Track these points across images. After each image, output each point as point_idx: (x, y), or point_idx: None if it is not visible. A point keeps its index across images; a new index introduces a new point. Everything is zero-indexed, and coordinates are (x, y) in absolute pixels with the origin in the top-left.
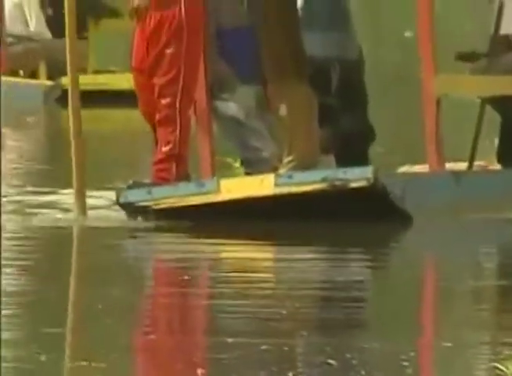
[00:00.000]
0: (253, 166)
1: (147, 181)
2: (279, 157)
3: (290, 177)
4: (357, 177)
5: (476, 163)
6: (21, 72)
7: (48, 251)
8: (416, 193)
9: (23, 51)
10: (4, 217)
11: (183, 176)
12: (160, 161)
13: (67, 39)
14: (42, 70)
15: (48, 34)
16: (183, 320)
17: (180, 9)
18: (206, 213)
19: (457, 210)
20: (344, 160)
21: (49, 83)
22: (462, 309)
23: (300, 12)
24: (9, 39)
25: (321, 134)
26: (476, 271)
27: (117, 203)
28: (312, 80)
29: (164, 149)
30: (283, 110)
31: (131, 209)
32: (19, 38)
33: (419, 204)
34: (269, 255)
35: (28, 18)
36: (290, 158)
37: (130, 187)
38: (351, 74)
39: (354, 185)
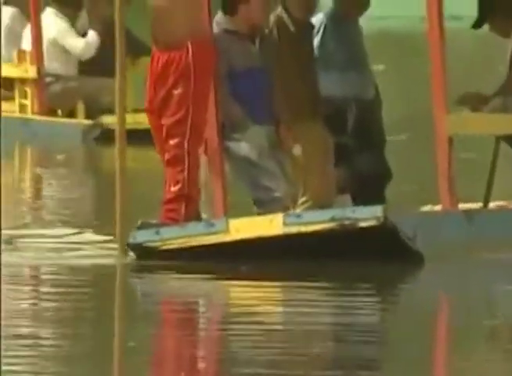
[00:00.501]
0: (265, 206)
1: (156, 221)
2: (291, 197)
3: (298, 216)
4: (366, 216)
5: (495, 203)
6: (59, 111)
7: (88, 290)
8: (427, 233)
9: (61, 90)
10: (41, 254)
11: (193, 216)
12: (169, 201)
13: (117, 79)
14: (80, 109)
15: (85, 73)
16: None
17: (187, 50)
18: (215, 253)
19: (470, 249)
20: (360, 200)
21: (88, 122)
22: (475, 351)
23: (315, 52)
24: (48, 78)
25: (337, 174)
26: (490, 311)
27: (126, 244)
28: (328, 119)
29: (173, 189)
30: (297, 150)
31: (140, 250)
32: (58, 77)
33: (431, 244)
34: (278, 296)
35: (66, 56)
36: (304, 198)
37: (139, 228)
38: (367, 113)
39: (363, 224)
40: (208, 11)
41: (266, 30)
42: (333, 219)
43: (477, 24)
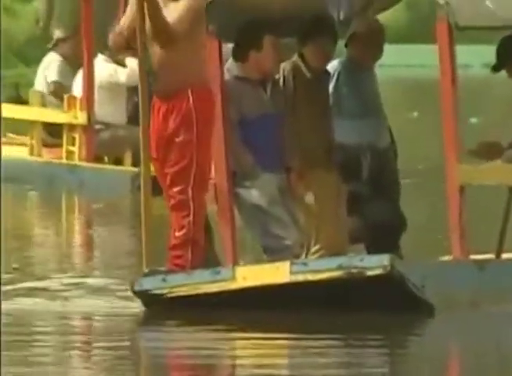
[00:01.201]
0: (275, 254)
1: (163, 269)
2: (301, 245)
3: (305, 264)
4: (373, 265)
5: (509, 254)
6: (106, 158)
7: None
8: (437, 283)
9: (110, 138)
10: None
11: (199, 261)
12: (175, 247)
13: (141, 130)
14: (128, 156)
15: (134, 122)
16: None
17: (188, 97)
18: (221, 301)
19: (480, 300)
20: (374, 250)
21: (136, 169)
22: None
23: (330, 99)
24: (97, 125)
25: (351, 223)
26: (500, 364)
27: (132, 291)
28: (342, 167)
29: (178, 234)
30: (309, 198)
31: (147, 297)
32: (107, 125)
33: (440, 294)
34: (286, 347)
35: (115, 104)
36: (317, 247)
37: (146, 275)
38: (382, 161)
39: (370, 273)
40: (219, 58)
41: (277, 77)
42: (340, 268)
43: (495, 68)
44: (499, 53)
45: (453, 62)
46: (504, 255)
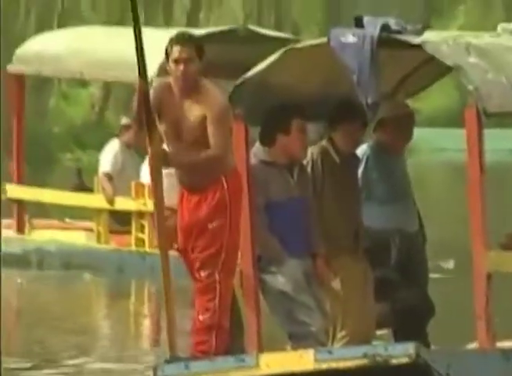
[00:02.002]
0: (300, 341)
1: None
2: (326, 332)
3: (330, 352)
4: (398, 353)
5: None
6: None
7: None
8: (462, 372)
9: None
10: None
11: (224, 348)
12: (199, 331)
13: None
14: None
15: None
16: None
17: (222, 184)
18: None
19: None
20: (402, 336)
21: None
22: None
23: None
24: (166, 212)
25: (379, 308)
26: None
27: None
28: (371, 253)
29: (202, 317)
30: (336, 284)
31: None
32: (174, 211)
33: None
34: None
35: None
36: (343, 333)
37: (168, 361)
38: (411, 246)
39: (395, 361)
40: (246, 142)
41: (304, 162)
42: (365, 356)
43: None
44: None
45: (481, 148)
46: None
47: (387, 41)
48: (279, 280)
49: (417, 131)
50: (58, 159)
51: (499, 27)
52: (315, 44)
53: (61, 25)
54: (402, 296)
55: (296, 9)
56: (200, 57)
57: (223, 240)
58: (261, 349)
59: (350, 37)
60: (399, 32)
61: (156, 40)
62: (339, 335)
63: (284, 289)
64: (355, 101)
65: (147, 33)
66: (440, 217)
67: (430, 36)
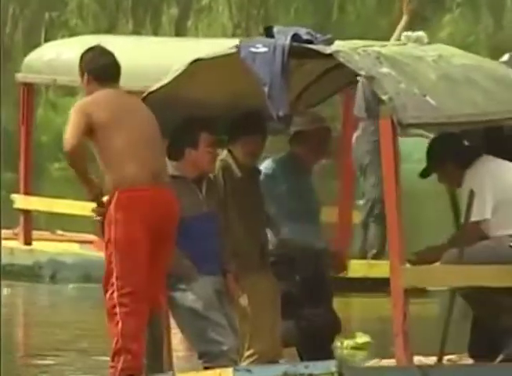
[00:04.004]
0: (212, 360)
1: None
2: (238, 350)
3: (249, 371)
4: (320, 371)
5: (449, 356)
6: None
7: None
8: None
9: None
10: None
11: (136, 370)
12: (112, 357)
13: None
14: None
15: None
16: None
17: (111, 200)
18: None
19: None
20: (307, 354)
21: None
22: None
23: (264, 199)
24: None
25: (284, 326)
26: None
27: None
28: (276, 268)
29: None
30: (244, 301)
31: None
32: None
33: None
34: None
35: None
36: (250, 352)
37: None
38: (317, 263)
39: None
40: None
41: (212, 176)
42: (285, 375)
43: (425, 173)
44: (429, 156)
45: (397, 160)
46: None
47: (298, 51)
48: (190, 298)
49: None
50: (46, 168)
51: (403, 36)
52: (224, 54)
53: (49, 34)
54: (308, 313)
55: (284, 19)
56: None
57: (111, 258)
58: (170, 369)
59: (261, 48)
60: (310, 42)
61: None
62: (246, 354)
63: (195, 307)
64: (254, 113)
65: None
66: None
67: (338, 45)
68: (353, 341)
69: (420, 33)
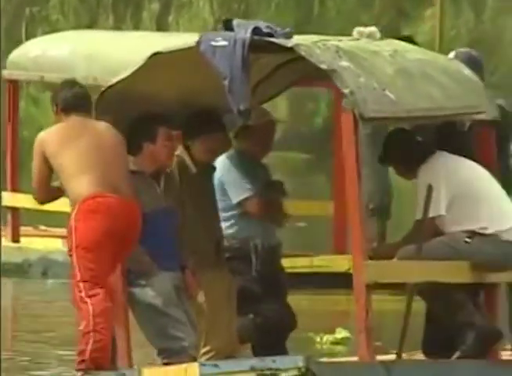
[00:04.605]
0: (172, 356)
1: None
2: (197, 347)
3: (216, 366)
4: (287, 366)
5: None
6: None
7: None
8: None
9: None
10: None
11: (102, 357)
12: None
13: None
14: None
15: None
16: None
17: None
18: None
19: None
20: (261, 351)
21: None
22: None
23: (217, 195)
24: None
25: (239, 322)
26: None
27: None
28: (231, 265)
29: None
30: (201, 297)
31: None
32: None
33: None
34: None
35: None
36: (207, 348)
37: None
38: (272, 258)
39: (284, 374)
40: None
41: (169, 170)
42: (252, 369)
43: (381, 160)
44: (385, 147)
45: (358, 154)
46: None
47: (258, 44)
48: (149, 294)
49: None
50: (26, 164)
51: (355, 32)
52: (184, 48)
53: (29, 30)
54: (264, 308)
55: (265, 14)
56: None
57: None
58: (130, 365)
59: (221, 41)
60: (270, 35)
61: None
62: (203, 350)
63: (154, 303)
64: (214, 111)
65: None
66: None
67: (298, 39)
68: (332, 336)
69: (373, 28)
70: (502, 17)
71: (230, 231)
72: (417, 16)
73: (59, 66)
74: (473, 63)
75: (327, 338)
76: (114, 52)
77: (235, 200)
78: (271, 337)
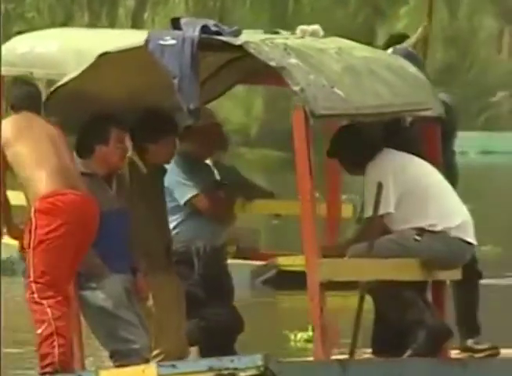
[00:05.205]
0: (124, 359)
1: None
2: (150, 349)
3: (174, 366)
4: (246, 365)
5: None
6: None
7: None
8: None
9: None
10: None
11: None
12: (39, 345)
13: None
14: (231, 250)
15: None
16: None
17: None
18: None
19: None
20: (208, 353)
21: (259, 263)
22: None
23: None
24: None
25: (186, 325)
26: None
27: None
28: (178, 268)
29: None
30: (150, 301)
31: None
32: None
33: None
34: None
35: None
36: (156, 352)
37: None
38: (217, 260)
39: (243, 374)
40: None
41: (120, 172)
42: (211, 369)
43: (329, 154)
44: (333, 143)
45: (309, 152)
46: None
47: (207, 43)
48: (100, 297)
49: None
50: None
51: (298, 30)
52: (132, 48)
53: (5, 27)
54: (209, 312)
55: (240, 12)
56: None
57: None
58: (83, 366)
59: (169, 40)
60: (219, 33)
61: None
62: (153, 353)
63: (105, 305)
64: (169, 112)
65: None
66: None
67: (246, 37)
68: (306, 333)
69: (316, 26)
70: (477, 15)
71: (175, 234)
72: (392, 14)
73: (48, 63)
74: (411, 60)
75: (301, 335)
76: (104, 49)
77: (182, 200)
78: (217, 340)
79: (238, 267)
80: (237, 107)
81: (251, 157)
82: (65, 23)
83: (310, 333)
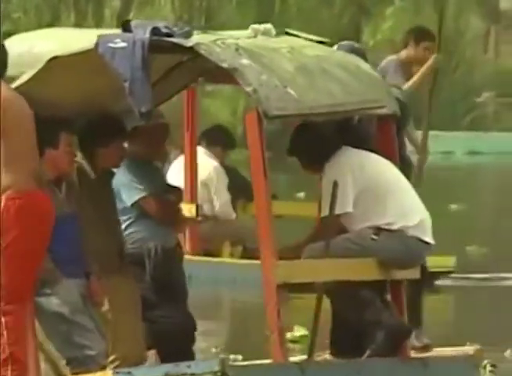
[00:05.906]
0: (80, 365)
1: None
2: (107, 355)
3: (129, 374)
4: (203, 371)
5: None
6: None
7: None
8: None
9: (208, 230)
10: None
11: None
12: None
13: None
14: (226, 248)
15: (232, 215)
16: None
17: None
18: None
19: None
20: (167, 357)
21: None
22: None
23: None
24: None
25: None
26: None
27: None
28: (131, 270)
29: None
30: (106, 306)
31: None
32: (206, 217)
33: None
34: None
35: (214, 197)
36: (113, 357)
37: None
38: (170, 262)
39: None
40: None
41: (71, 176)
42: (167, 375)
43: (288, 153)
44: (291, 142)
45: (263, 153)
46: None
47: (157, 45)
48: (54, 302)
49: None
50: None
51: (250, 29)
52: (82, 51)
53: None
54: (159, 315)
55: (226, 12)
56: None
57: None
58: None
59: (119, 43)
60: (170, 35)
61: None
62: (109, 359)
63: (60, 311)
64: (119, 116)
65: None
66: None
67: (197, 38)
68: (290, 334)
69: (268, 25)
70: (463, 15)
71: (127, 235)
72: (378, 13)
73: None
74: (357, 56)
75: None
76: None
77: (129, 201)
78: (172, 343)
79: (245, 267)
80: (224, 107)
81: (237, 156)
82: (51, 24)
83: (295, 333)
